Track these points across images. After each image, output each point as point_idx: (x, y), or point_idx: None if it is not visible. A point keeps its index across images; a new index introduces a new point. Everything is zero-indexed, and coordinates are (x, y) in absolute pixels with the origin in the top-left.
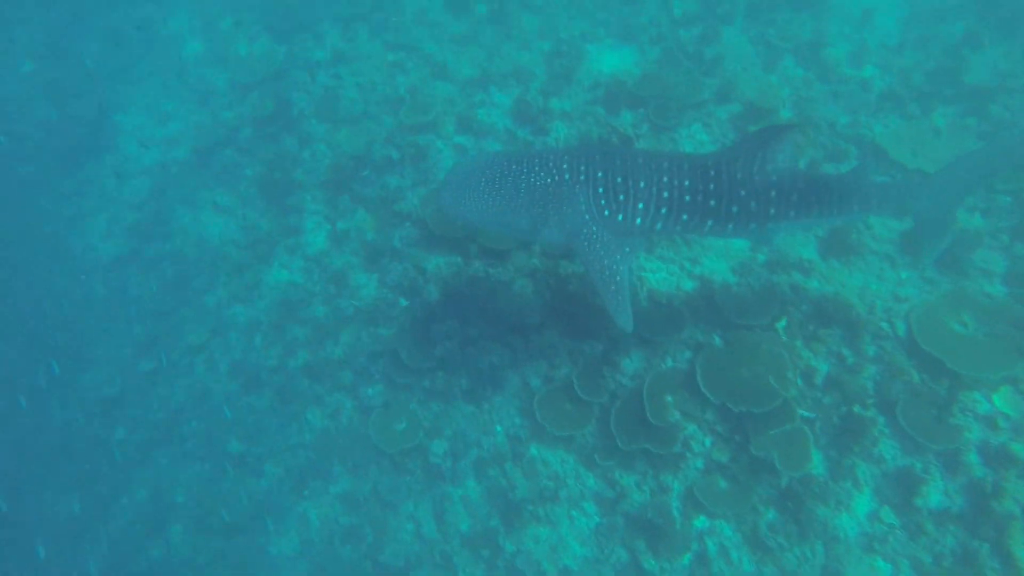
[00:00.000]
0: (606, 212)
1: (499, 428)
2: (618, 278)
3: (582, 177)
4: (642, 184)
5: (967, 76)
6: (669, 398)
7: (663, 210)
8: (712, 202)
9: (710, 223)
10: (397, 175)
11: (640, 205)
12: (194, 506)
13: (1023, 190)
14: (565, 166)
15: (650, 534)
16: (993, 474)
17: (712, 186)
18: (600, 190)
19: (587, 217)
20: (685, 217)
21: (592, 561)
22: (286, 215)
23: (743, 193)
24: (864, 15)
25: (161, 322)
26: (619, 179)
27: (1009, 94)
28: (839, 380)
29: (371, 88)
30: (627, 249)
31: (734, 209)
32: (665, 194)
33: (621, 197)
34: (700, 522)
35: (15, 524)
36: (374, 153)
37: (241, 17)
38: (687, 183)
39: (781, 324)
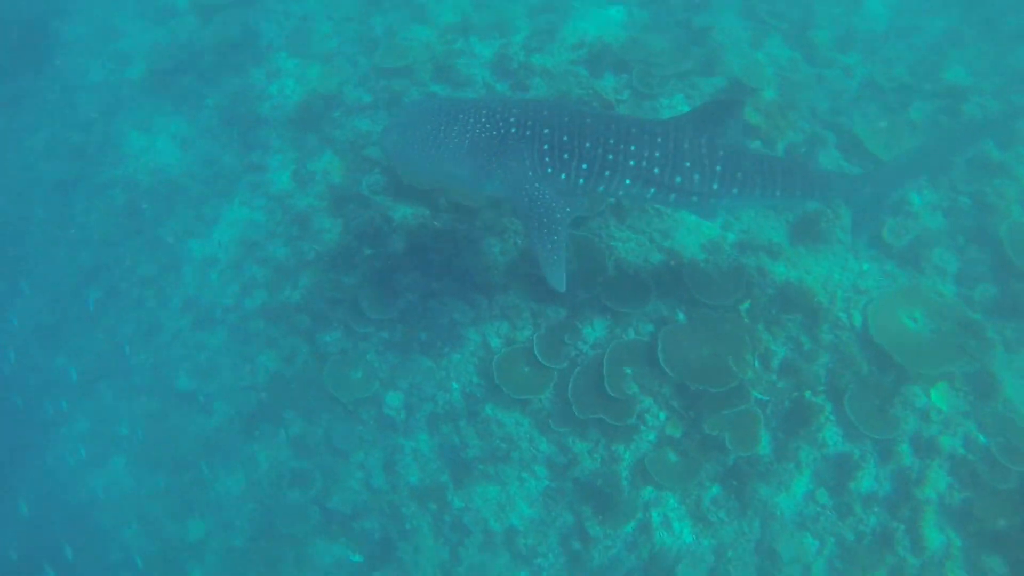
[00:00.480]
0: (549, 170)
1: (455, 385)
2: (555, 237)
3: (528, 132)
4: (587, 144)
5: (945, 72)
6: (628, 370)
7: (606, 172)
8: (656, 170)
9: (652, 191)
10: (368, 119)
11: (584, 166)
12: (139, 439)
13: (983, 192)
14: (512, 119)
15: (597, 501)
16: (920, 463)
17: (657, 154)
18: (545, 147)
19: (530, 173)
20: (628, 182)
21: (538, 522)
22: (249, 151)
23: (688, 164)
24: None
25: (109, 251)
26: (565, 137)
27: (981, 95)
28: (794, 365)
29: (346, 25)
30: (568, 208)
31: (677, 179)
32: (610, 156)
33: (566, 156)
34: (647, 493)
35: None
36: (346, 94)
37: None
38: (633, 147)
39: (745, 306)
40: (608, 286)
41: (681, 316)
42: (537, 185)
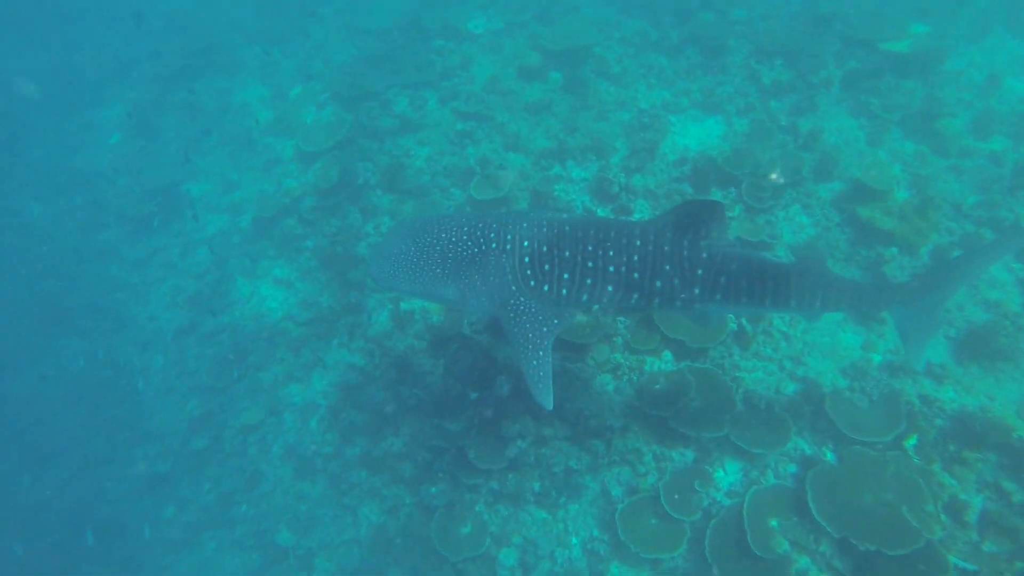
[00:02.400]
0: (532, 282)
1: (575, 540)
2: (541, 353)
3: (508, 247)
4: (567, 253)
5: None
6: (774, 522)
7: (588, 280)
8: (636, 275)
9: (635, 296)
10: None
11: (565, 275)
12: None
13: None
14: (492, 235)
15: None
16: None
17: (636, 258)
18: (526, 259)
19: (514, 288)
20: (610, 289)
21: None
22: (347, 291)
23: (668, 268)
24: (989, 80)
25: (216, 398)
26: (544, 248)
27: None
28: (1004, 522)
29: (439, 158)
30: (556, 321)
31: (657, 284)
32: (590, 264)
33: (546, 267)
34: None
35: None
36: None
37: (310, 85)
38: (612, 253)
39: (910, 442)
40: (738, 423)
41: (830, 455)
42: (522, 299)
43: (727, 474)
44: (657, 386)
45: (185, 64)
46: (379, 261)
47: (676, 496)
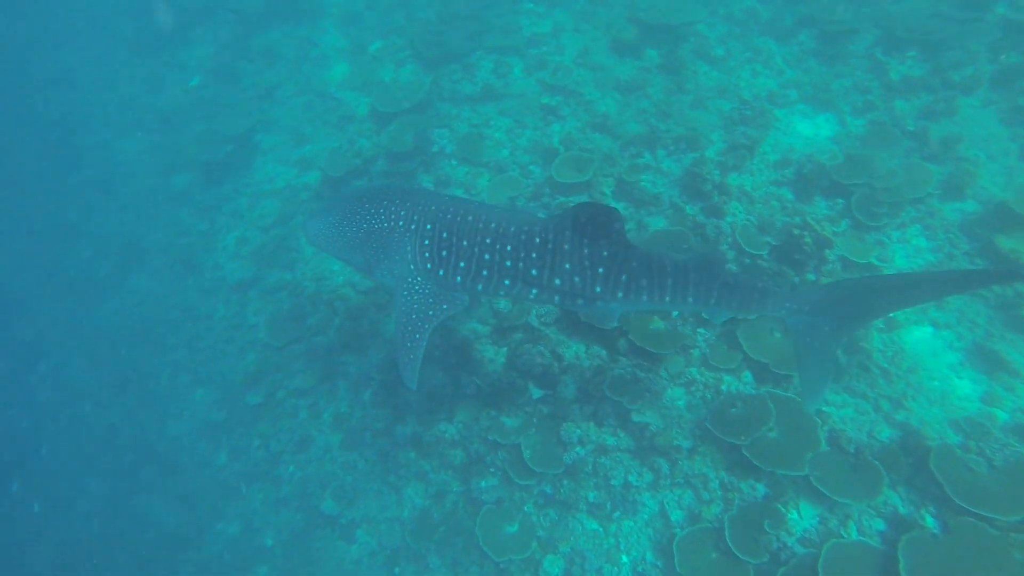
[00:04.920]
0: (428, 265)
1: (626, 559)
2: (418, 336)
3: (413, 227)
4: (465, 243)
5: None
6: None
7: (484, 272)
8: (534, 271)
9: (534, 292)
10: None
11: (462, 264)
12: (281, 555)
13: None
14: (403, 213)
15: None
16: None
17: (535, 255)
18: (426, 242)
19: (412, 267)
20: (507, 282)
21: None
22: None
23: (568, 267)
24: None
25: (272, 357)
26: (444, 234)
27: None
28: None
29: (521, 132)
30: (445, 306)
31: (557, 282)
32: (487, 256)
33: (444, 253)
34: None
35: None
36: None
37: (391, 41)
38: (509, 248)
39: None
40: (820, 464)
41: (931, 521)
42: (418, 279)
43: (802, 518)
44: (734, 410)
45: (267, 7)
46: (312, 219)
47: (742, 533)
